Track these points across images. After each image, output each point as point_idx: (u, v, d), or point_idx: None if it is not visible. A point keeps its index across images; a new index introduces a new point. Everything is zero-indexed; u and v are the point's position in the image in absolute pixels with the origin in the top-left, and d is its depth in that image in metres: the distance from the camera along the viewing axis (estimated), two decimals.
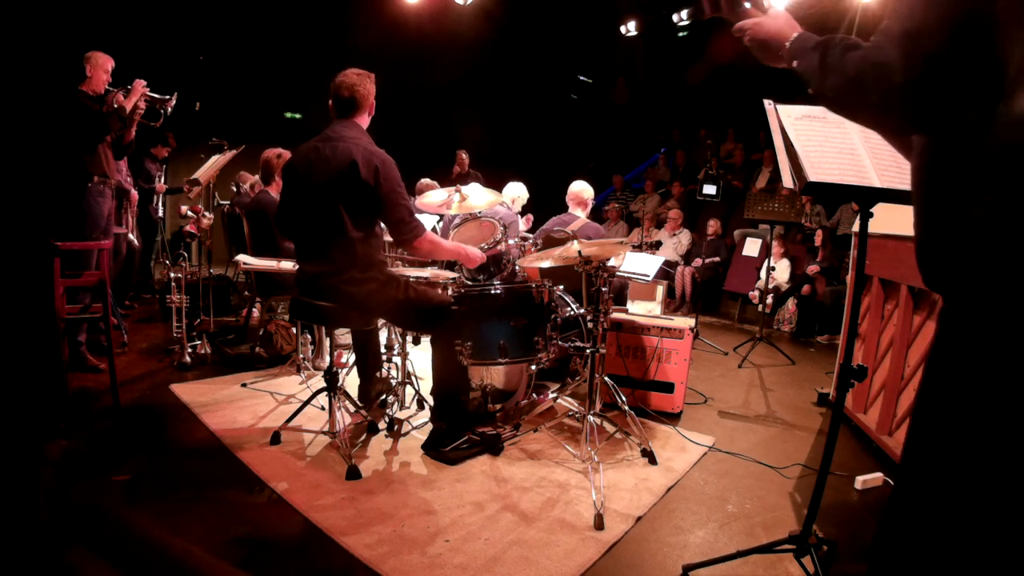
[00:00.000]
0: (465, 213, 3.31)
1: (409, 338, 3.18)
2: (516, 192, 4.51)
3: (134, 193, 4.62)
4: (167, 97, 3.91)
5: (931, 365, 0.98)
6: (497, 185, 3.92)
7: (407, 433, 2.87)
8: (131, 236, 4.70)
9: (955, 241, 0.90)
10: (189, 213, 4.47)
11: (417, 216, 2.58)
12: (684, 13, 7.48)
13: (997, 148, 0.84)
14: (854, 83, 0.98)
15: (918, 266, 0.98)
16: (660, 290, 3.71)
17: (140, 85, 3.72)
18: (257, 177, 4.64)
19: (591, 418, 2.59)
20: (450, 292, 2.72)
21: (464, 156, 7.73)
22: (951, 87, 0.89)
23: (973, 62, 0.86)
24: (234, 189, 6.10)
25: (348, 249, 2.45)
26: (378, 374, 3.12)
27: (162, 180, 6.01)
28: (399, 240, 2.54)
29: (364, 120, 2.60)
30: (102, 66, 3.61)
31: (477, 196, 3.19)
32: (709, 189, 5.72)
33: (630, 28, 8.11)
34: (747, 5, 1.26)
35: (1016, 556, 0.86)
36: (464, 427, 2.71)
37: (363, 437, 2.80)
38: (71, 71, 3.59)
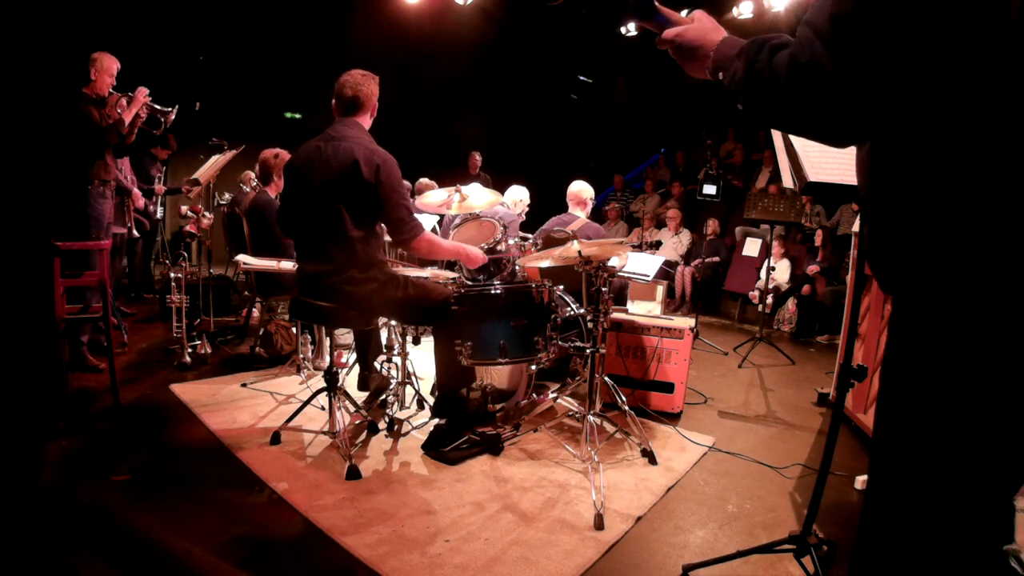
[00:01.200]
0: (465, 213, 3.32)
1: (409, 338, 3.18)
2: (518, 195, 4.52)
3: (136, 192, 4.61)
4: (168, 109, 3.91)
5: (886, 366, 0.97)
6: (497, 185, 3.92)
7: (407, 433, 2.87)
8: (134, 230, 4.69)
9: (903, 243, 0.87)
10: (189, 213, 4.48)
11: (416, 216, 2.59)
12: (684, 13, 7.46)
13: (945, 146, 0.80)
14: (784, 89, 0.86)
15: (871, 269, 0.95)
16: (660, 290, 3.71)
17: (142, 94, 3.72)
18: (253, 176, 4.64)
19: (591, 418, 2.59)
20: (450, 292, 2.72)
21: (477, 158, 7.80)
22: (881, 84, 0.80)
23: (899, 57, 0.79)
24: (244, 189, 6.11)
25: (349, 249, 2.46)
26: (377, 365, 3.14)
27: (162, 181, 6.01)
28: (398, 240, 2.55)
29: (366, 120, 2.61)
30: (107, 69, 3.61)
31: (477, 196, 3.19)
32: (709, 189, 5.72)
33: (630, 28, 8.11)
34: (659, 11, 1.13)
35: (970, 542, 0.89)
36: (464, 427, 2.71)
37: (363, 437, 2.80)
38: (72, 71, 3.59)
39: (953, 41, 0.77)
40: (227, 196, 6.03)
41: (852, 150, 1.57)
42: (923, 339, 0.87)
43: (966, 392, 0.83)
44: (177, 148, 6.07)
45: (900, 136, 0.85)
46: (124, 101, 3.65)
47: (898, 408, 0.94)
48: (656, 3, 1.12)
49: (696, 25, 1.07)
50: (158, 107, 3.86)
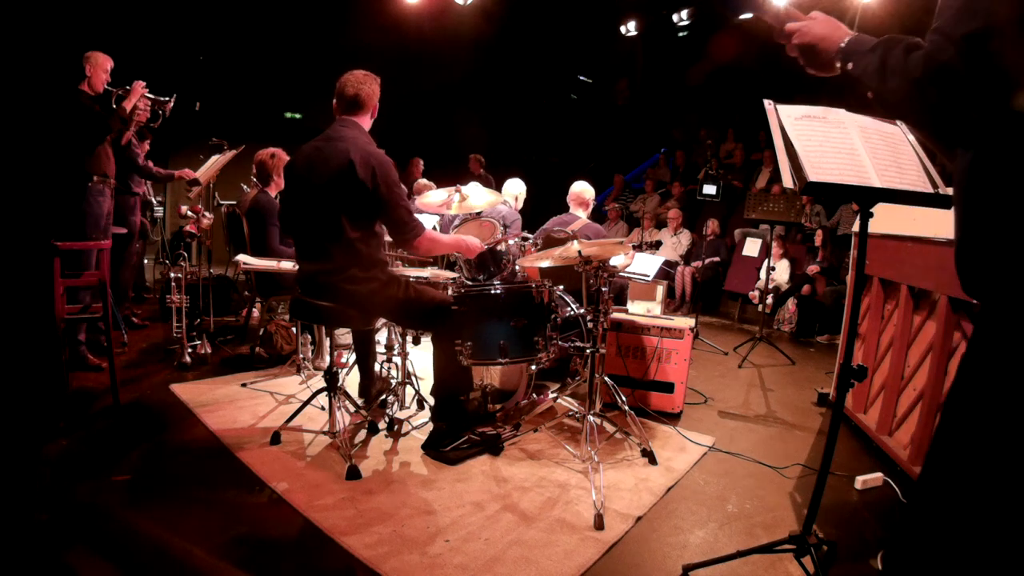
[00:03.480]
0: (465, 213, 3.32)
1: (409, 338, 3.18)
2: (518, 189, 4.52)
3: (187, 170, 4.56)
4: (166, 99, 3.91)
5: (965, 372, 0.96)
6: (497, 185, 3.92)
7: (407, 433, 2.87)
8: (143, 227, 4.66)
9: (998, 249, 0.89)
10: (189, 213, 4.47)
11: (416, 216, 2.59)
12: (684, 13, 7.48)
13: None
14: (918, 85, 0.93)
15: (957, 272, 0.97)
16: (660, 290, 3.71)
17: (139, 86, 3.73)
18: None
19: (591, 418, 2.59)
20: (450, 292, 2.72)
21: (480, 160, 7.85)
22: (1006, 90, 0.86)
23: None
24: (244, 189, 6.10)
25: (348, 248, 2.46)
26: (377, 367, 3.13)
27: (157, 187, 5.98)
28: (399, 240, 2.55)
29: (366, 121, 2.61)
30: (101, 66, 3.61)
31: (477, 196, 3.19)
32: (709, 189, 5.72)
33: (630, 28, 8.11)
34: (781, 8, 1.20)
35: None
36: (464, 427, 2.71)
37: (363, 437, 2.80)
38: (71, 71, 3.59)
39: None
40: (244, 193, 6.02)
41: (852, 151, 1.57)
42: (1014, 348, 0.87)
43: None
44: (152, 137, 6.04)
45: (1010, 148, 0.89)
46: (121, 94, 3.66)
47: (976, 414, 0.92)
48: (787, 6, 1.20)
49: (820, 22, 1.14)
50: (155, 97, 3.86)
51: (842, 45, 1.08)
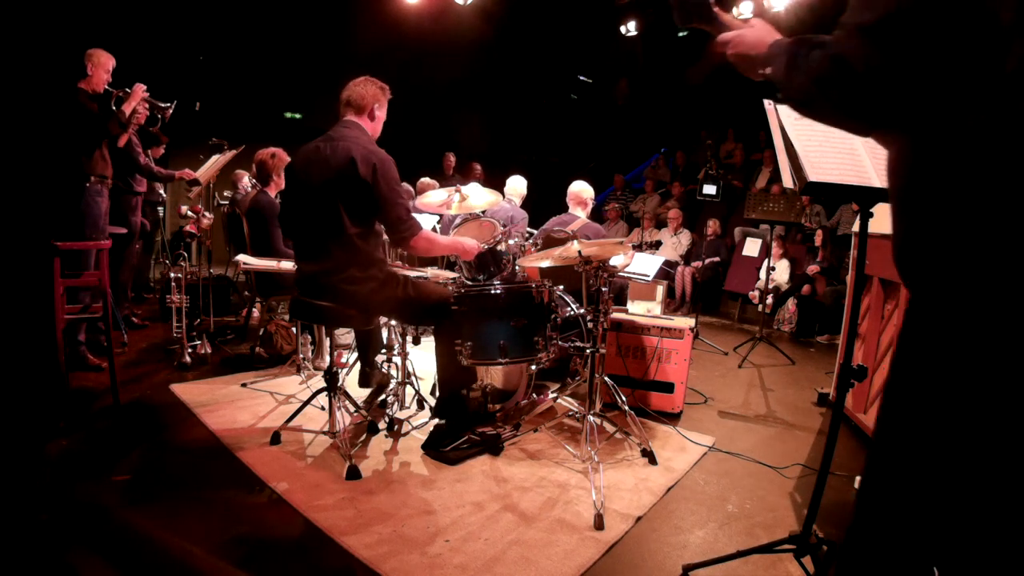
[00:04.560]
0: (465, 213, 3.32)
1: (409, 338, 3.18)
2: (521, 186, 4.53)
3: (187, 171, 4.56)
4: (166, 105, 3.91)
5: (899, 355, 1.00)
6: (496, 185, 3.92)
7: (407, 433, 2.87)
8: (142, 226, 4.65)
9: (927, 237, 0.91)
10: (189, 213, 4.47)
11: (415, 215, 2.59)
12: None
13: (970, 146, 0.84)
14: (817, 80, 0.95)
15: (894, 261, 0.99)
16: (660, 290, 3.71)
17: (140, 90, 3.72)
18: (248, 176, 4.62)
19: (591, 418, 2.59)
20: (450, 291, 2.72)
21: (451, 158, 7.92)
22: (917, 81, 0.86)
23: (926, 58, 0.84)
24: (239, 189, 6.09)
25: (348, 247, 2.47)
26: (377, 361, 3.14)
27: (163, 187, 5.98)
28: (396, 239, 2.56)
29: (365, 122, 2.62)
30: (103, 65, 3.61)
31: (477, 196, 3.19)
32: (709, 189, 5.72)
33: (630, 28, 8.11)
34: (718, 16, 1.21)
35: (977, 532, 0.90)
36: (464, 427, 2.71)
37: (363, 437, 2.80)
38: (71, 70, 3.59)
39: (958, 51, 0.83)
40: (228, 194, 6.02)
41: (852, 150, 1.58)
42: (939, 336, 0.90)
43: (978, 390, 0.86)
44: (169, 141, 6.05)
45: (924, 138, 0.90)
46: (120, 96, 3.66)
47: (906, 403, 0.96)
48: (714, 8, 1.21)
49: (754, 30, 1.15)
50: (156, 102, 3.86)
51: (765, 50, 1.09)
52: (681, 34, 8.36)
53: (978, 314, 0.84)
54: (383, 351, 3.24)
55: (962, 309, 0.86)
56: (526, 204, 4.68)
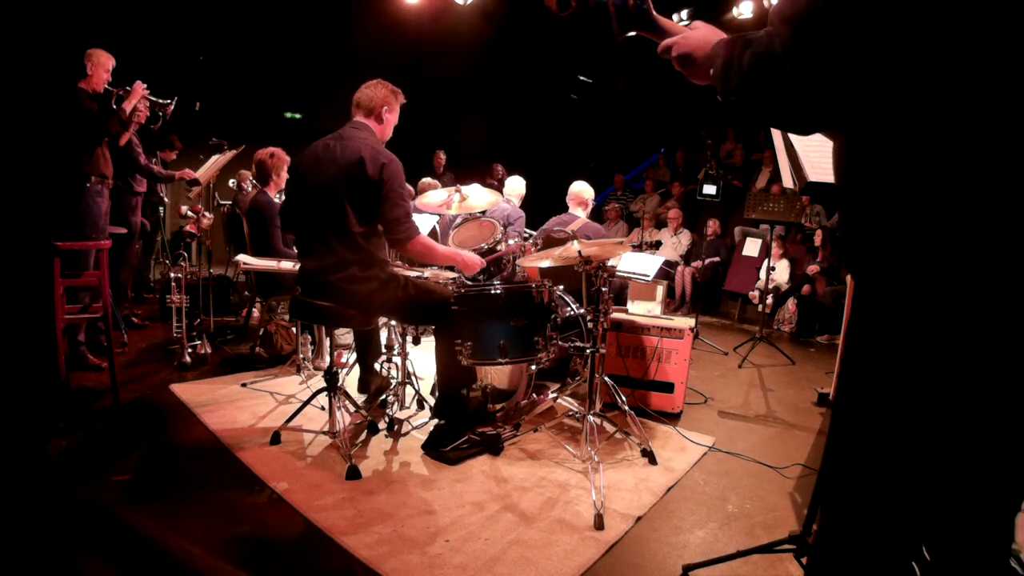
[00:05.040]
0: (465, 213, 3.32)
1: (409, 338, 3.18)
2: (520, 187, 4.53)
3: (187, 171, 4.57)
4: (167, 102, 3.91)
5: (848, 342, 1.04)
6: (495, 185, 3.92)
7: (407, 433, 2.87)
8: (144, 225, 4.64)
9: (864, 226, 0.92)
10: (189, 213, 4.47)
11: (415, 217, 2.60)
12: (684, 13, 7.47)
13: (891, 137, 0.85)
14: (748, 78, 0.92)
15: (841, 252, 1.02)
16: (660, 290, 3.71)
17: (140, 88, 3.72)
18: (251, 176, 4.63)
19: (591, 418, 2.59)
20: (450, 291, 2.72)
21: (442, 156, 7.93)
22: (836, 76, 0.85)
23: (852, 51, 0.83)
24: (234, 186, 6.09)
25: (351, 245, 2.48)
26: (377, 366, 3.14)
27: (164, 191, 5.99)
28: (392, 239, 2.56)
29: (374, 124, 2.64)
30: (103, 65, 3.61)
31: (477, 196, 3.19)
32: (709, 189, 5.72)
33: (629, 36, 8.10)
34: (658, 22, 1.17)
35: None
36: (464, 427, 2.71)
37: (363, 437, 2.80)
38: (71, 70, 3.59)
39: (885, 39, 0.82)
40: (236, 191, 6.02)
41: None
42: (881, 322, 0.93)
43: (919, 369, 0.89)
44: (183, 147, 6.06)
45: (856, 134, 0.91)
46: (120, 95, 3.66)
47: (855, 384, 0.99)
48: (654, 14, 1.16)
49: (696, 33, 1.11)
50: (156, 100, 3.86)
51: (708, 51, 1.06)
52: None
53: (914, 301, 0.87)
54: (383, 351, 3.24)
55: (897, 292, 0.89)
56: (526, 204, 4.69)
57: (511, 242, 3.02)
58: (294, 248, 3.62)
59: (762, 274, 5.49)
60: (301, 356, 3.70)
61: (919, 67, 0.81)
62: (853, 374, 1.00)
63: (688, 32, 1.13)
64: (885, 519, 0.95)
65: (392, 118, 2.69)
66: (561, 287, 3.22)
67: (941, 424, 0.88)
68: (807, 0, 0.85)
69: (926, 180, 0.83)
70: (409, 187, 4.45)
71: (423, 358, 3.73)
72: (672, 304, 6.76)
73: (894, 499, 0.94)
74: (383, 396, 3.14)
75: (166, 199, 5.92)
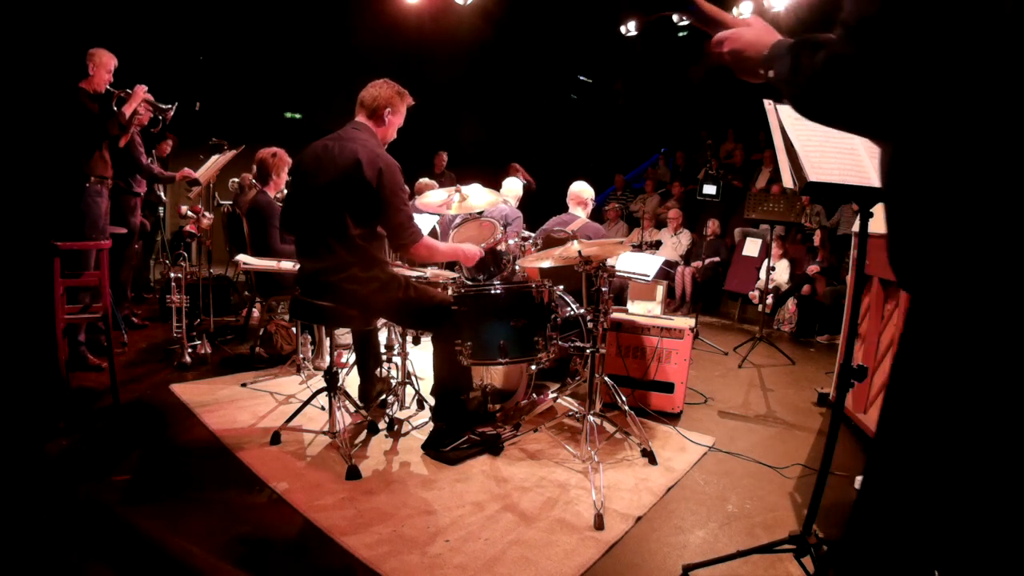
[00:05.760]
0: (465, 213, 3.31)
1: (409, 338, 3.18)
2: (517, 188, 4.53)
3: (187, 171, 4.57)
4: (168, 107, 3.91)
5: (899, 356, 0.99)
6: (495, 185, 3.92)
7: (407, 433, 2.87)
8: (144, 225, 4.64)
9: (923, 240, 0.89)
10: (189, 213, 4.47)
11: (416, 219, 2.59)
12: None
13: (961, 149, 0.82)
14: (821, 82, 0.91)
15: (889, 263, 0.98)
16: (660, 290, 3.71)
17: (141, 91, 3.72)
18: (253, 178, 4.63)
19: (591, 418, 2.59)
20: (450, 292, 2.72)
21: (443, 156, 7.91)
22: (912, 83, 0.83)
23: (929, 58, 0.82)
24: (234, 188, 6.09)
25: (350, 245, 2.47)
26: (378, 372, 3.12)
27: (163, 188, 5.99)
28: (396, 244, 2.56)
29: (376, 125, 2.62)
30: (105, 65, 3.61)
31: (477, 196, 3.19)
32: (709, 189, 5.73)
33: (630, 28, 8.11)
34: (703, 10, 1.16)
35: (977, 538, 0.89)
36: (464, 427, 2.71)
37: (363, 437, 2.80)
38: (71, 70, 3.59)
39: (963, 46, 0.79)
40: (237, 192, 6.01)
41: (852, 150, 1.58)
42: (940, 338, 0.88)
43: (980, 393, 0.84)
44: (177, 143, 6.06)
45: (922, 136, 0.87)
46: (122, 96, 3.66)
47: (907, 406, 0.95)
48: (710, 6, 1.15)
49: (751, 30, 1.10)
50: (157, 104, 3.87)
51: (765, 51, 1.04)
52: (681, 34, 8.37)
53: (974, 314, 0.83)
54: (383, 351, 3.23)
55: (958, 309, 0.85)
56: (525, 204, 4.69)
57: (511, 242, 3.02)
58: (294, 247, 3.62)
59: (762, 274, 5.49)
60: (301, 356, 3.70)
61: (1007, 72, 0.78)
62: (909, 402, 0.94)
63: (742, 28, 1.11)
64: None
65: (396, 120, 2.67)
66: (561, 287, 3.22)
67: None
68: (877, 7, 0.83)
69: (993, 188, 0.79)
70: (407, 188, 4.44)
71: (423, 358, 3.73)
72: (672, 304, 6.76)
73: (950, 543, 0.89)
74: (383, 396, 3.13)
75: (165, 199, 5.92)
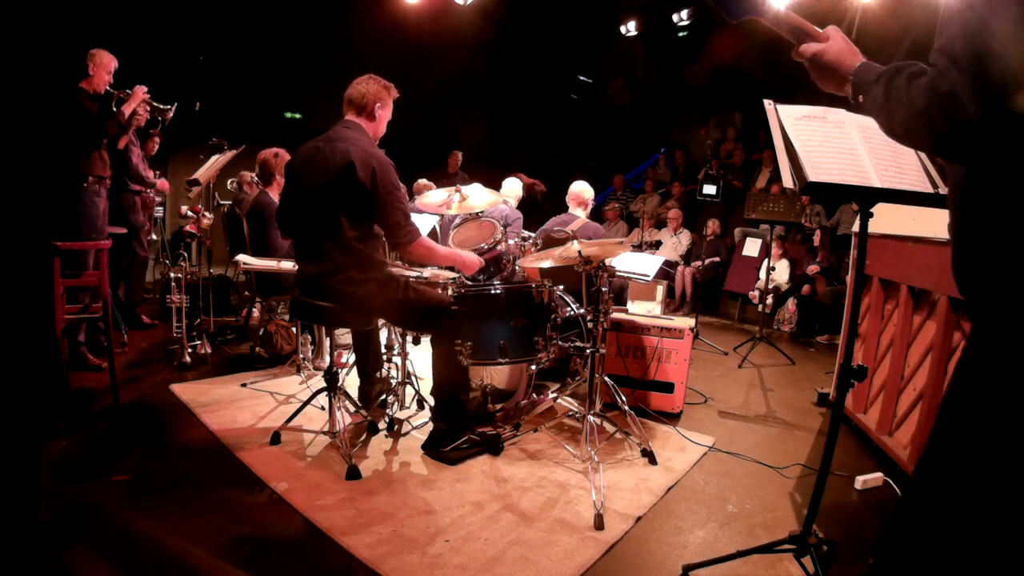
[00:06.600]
0: (465, 213, 3.31)
1: (409, 338, 3.18)
2: (517, 188, 4.53)
3: (162, 183, 4.61)
4: (167, 107, 3.91)
5: (962, 373, 0.97)
6: (495, 185, 3.92)
7: (407, 433, 2.87)
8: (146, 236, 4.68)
9: (996, 254, 0.89)
10: (189, 213, 4.47)
11: (414, 218, 2.58)
12: (684, 13, 7.48)
13: None
14: (922, 116, 0.91)
15: (954, 274, 0.97)
16: (660, 290, 3.71)
17: (140, 91, 3.72)
18: (253, 175, 4.63)
19: (591, 418, 2.59)
20: (450, 292, 2.72)
21: (458, 156, 7.88)
22: (1014, 118, 0.83)
23: None
24: (234, 187, 6.08)
25: (346, 249, 2.46)
26: (378, 374, 3.12)
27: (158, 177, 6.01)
28: (394, 243, 2.55)
29: (366, 122, 2.60)
30: (105, 66, 3.61)
31: (477, 196, 3.19)
32: (709, 189, 5.72)
33: (630, 28, 8.11)
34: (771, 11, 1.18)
35: None
36: (464, 427, 2.71)
37: (363, 437, 2.80)
38: (71, 70, 3.59)
39: None
40: (237, 191, 6.00)
41: (852, 150, 1.57)
42: (1011, 352, 0.87)
43: None
44: (163, 140, 6.05)
45: (1009, 155, 0.87)
46: (121, 96, 3.67)
47: (972, 417, 0.92)
48: (794, 15, 1.18)
49: (835, 46, 1.13)
50: (157, 105, 3.87)
51: (851, 76, 1.08)
52: (681, 34, 8.36)
53: None
54: (383, 351, 3.23)
55: None
56: (525, 204, 4.69)
57: (511, 242, 3.02)
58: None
59: (762, 274, 5.49)
60: (301, 356, 3.70)
61: None
62: (973, 416, 0.92)
63: (827, 44, 1.14)
64: None
65: (385, 114, 2.65)
66: (561, 287, 3.22)
67: None
68: (989, 43, 0.83)
69: None
70: (402, 186, 4.44)
71: (423, 358, 3.72)
72: (672, 304, 6.76)
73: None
74: (383, 396, 3.13)
75: (158, 199, 5.92)
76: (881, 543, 1.01)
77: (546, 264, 2.80)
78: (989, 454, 0.89)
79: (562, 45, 9.38)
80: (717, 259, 7.01)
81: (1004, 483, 0.87)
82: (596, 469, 2.42)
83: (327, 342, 2.95)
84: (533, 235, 3.42)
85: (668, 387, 3.23)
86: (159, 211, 6.10)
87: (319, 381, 2.83)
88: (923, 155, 1.56)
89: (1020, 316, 0.86)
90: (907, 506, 1.02)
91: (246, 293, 5.16)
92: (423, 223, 3.69)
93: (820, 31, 1.17)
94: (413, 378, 3.21)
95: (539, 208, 6.67)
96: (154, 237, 4.83)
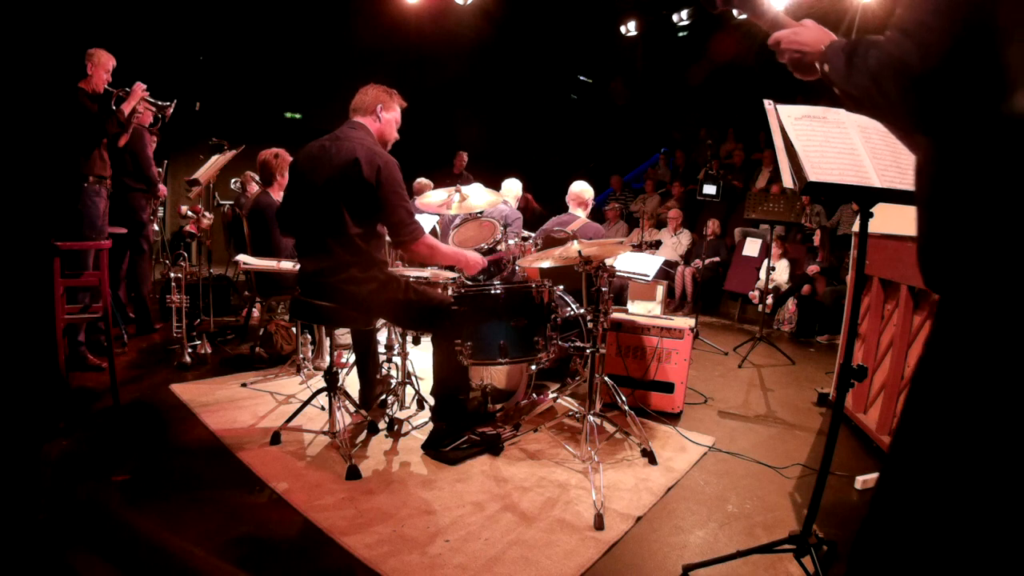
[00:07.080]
0: (465, 213, 3.31)
1: (409, 338, 3.18)
2: (517, 188, 4.53)
3: (162, 188, 4.61)
4: (167, 104, 3.91)
5: (925, 362, 0.99)
6: (494, 186, 3.92)
7: (407, 433, 2.87)
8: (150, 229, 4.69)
9: (956, 242, 0.91)
10: (189, 213, 4.47)
11: (417, 218, 2.59)
12: (684, 13, 7.48)
13: (996, 151, 0.84)
14: (875, 79, 0.96)
15: (919, 265, 0.99)
16: (660, 290, 3.71)
17: (139, 89, 3.72)
18: (256, 175, 4.64)
19: (591, 418, 2.59)
20: (450, 292, 2.72)
21: (463, 157, 7.86)
22: (960, 84, 0.88)
23: (977, 61, 0.86)
24: (236, 187, 6.09)
25: (349, 247, 2.47)
26: (378, 376, 3.12)
27: (162, 178, 6.01)
28: (397, 242, 2.56)
29: (371, 122, 2.62)
30: (103, 65, 3.61)
31: (477, 196, 3.19)
32: (709, 189, 5.72)
33: (630, 28, 8.11)
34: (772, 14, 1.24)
35: (1000, 555, 0.88)
36: (464, 427, 2.71)
37: (363, 437, 2.80)
38: (71, 69, 3.59)
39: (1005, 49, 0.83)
40: (240, 192, 6.00)
41: (852, 150, 1.57)
42: (970, 341, 0.89)
43: (1012, 396, 0.84)
44: (160, 139, 6.06)
45: (967, 141, 0.90)
46: (120, 95, 3.67)
47: (933, 409, 0.95)
48: (771, 6, 1.24)
49: (807, 31, 1.18)
50: (156, 102, 3.87)
51: (823, 48, 1.12)
52: (681, 34, 8.37)
53: (1012, 317, 0.83)
54: (383, 351, 3.23)
55: (993, 316, 0.85)
56: (527, 205, 4.69)
57: (511, 242, 3.02)
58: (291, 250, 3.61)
59: (762, 274, 5.49)
60: (301, 356, 3.70)
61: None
62: (936, 405, 0.95)
63: (799, 28, 1.19)
64: None
65: (391, 117, 2.67)
66: (561, 287, 3.22)
67: None
68: (933, 9, 0.88)
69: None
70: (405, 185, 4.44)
71: (423, 358, 3.73)
72: (672, 304, 6.76)
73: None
74: (383, 396, 3.13)
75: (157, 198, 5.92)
76: (864, 520, 1.04)
77: (546, 264, 2.80)
78: (948, 429, 0.93)
79: (562, 45, 9.39)
80: (717, 259, 7.02)
81: (963, 459, 0.90)
82: (596, 469, 2.42)
83: (327, 342, 2.95)
84: (533, 235, 3.42)
85: (668, 387, 3.23)
86: (159, 211, 6.10)
87: (319, 381, 2.83)
88: None
89: (979, 303, 0.88)
90: (882, 483, 1.06)
91: (246, 293, 5.16)
92: (423, 223, 3.69)
93: (796, 22, 1.21)
94: (413, 378, 3.21)
95: (536, 214, 6.67)
96: (156, 228, 4.82)
